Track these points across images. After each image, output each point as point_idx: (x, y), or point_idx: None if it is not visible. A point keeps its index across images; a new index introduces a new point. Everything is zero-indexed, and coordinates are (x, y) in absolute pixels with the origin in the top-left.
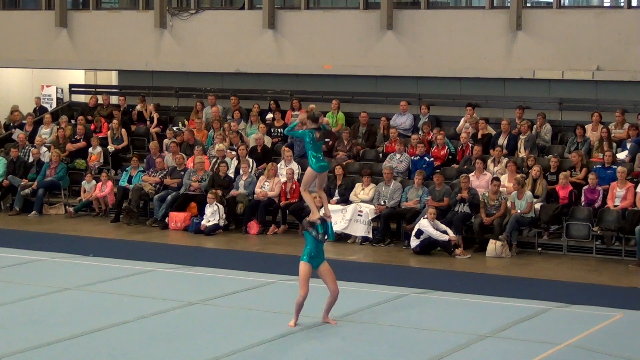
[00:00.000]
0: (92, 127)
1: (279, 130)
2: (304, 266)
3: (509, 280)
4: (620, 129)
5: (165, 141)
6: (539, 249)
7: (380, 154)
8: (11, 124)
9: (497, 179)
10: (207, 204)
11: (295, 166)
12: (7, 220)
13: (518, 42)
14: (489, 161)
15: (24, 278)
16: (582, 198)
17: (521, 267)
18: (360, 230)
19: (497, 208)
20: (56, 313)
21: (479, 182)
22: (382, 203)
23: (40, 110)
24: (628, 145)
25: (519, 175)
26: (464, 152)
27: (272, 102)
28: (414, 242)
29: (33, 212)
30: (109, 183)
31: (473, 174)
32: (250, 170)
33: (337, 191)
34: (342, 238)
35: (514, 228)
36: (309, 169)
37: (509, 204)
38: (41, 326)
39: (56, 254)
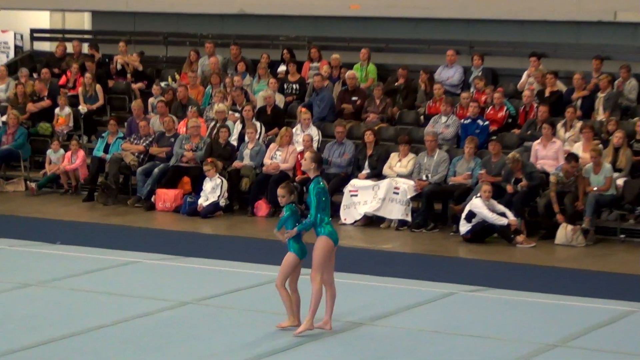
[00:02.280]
0: (61, 82)
1: (294, 86)
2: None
3: (583, 275)
4: None
5: (151, 100)
6: (622, 235)
7: (422, 117)
8: None
9: (575, 157)
10: (206, 178)
11: (314, 131)
12: None
13: None
14: (559, 125)
15: None
16: None
17: (599, 258)
18: (397, 212)
19: (571, 185)
20: (14, 316)
21: (546, 151)
22: (424, 178)
23: None
24: None
25: (595, 143)
26: (527, 114)
27: (285, 51)
28: (464, 226)
29: None
30: (81, 152)
31: (539, 141)
32: (257, 136)
33: (367, 163)
34: (374, 222)
35: (593, 210)
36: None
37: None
38: None
39: (15, 241)
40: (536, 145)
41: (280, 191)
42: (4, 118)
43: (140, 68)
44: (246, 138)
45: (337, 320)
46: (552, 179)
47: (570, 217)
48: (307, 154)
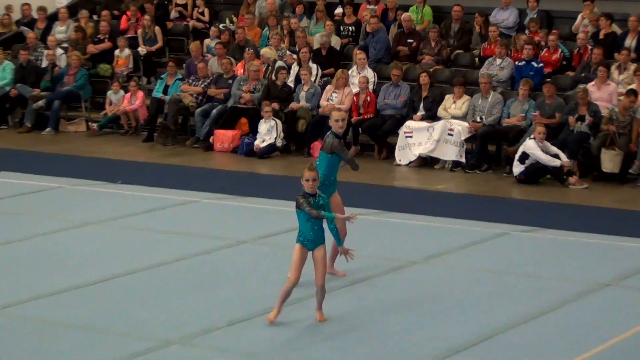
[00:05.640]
0: (122, 27)
1: (350, 28)
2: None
3: (636, 216)
4: None
5: (209, 42)
6: None
7: (477, 59)
8: (21, 20)
9: (635, 92)
10: (262, 120)
11: (370, 73)
12: (16, 139)
13: None
14: (613, 67)
15: (36, 210)
16: None
17: None
18: (451, 153)
19: (625, 127)
20: (76, 253)
21: (601, 93)
22: (478, 120)
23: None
24: None
25: None
26: (581, 57)
27: None
28: (517, 168)
29: (47, 129)
30: (140, 94)
31: (593, 83)
32: (313, 78)
33: (422, 105)
34: (429, 163)
35: None
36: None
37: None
38: (58, 269)
39: (76, 181)
40: (590, 87)
41: (311, 174)
42: (65, 59)
43: (207, 11)
44: (302, 80)
45: (391, 259)
46: (605, 113)
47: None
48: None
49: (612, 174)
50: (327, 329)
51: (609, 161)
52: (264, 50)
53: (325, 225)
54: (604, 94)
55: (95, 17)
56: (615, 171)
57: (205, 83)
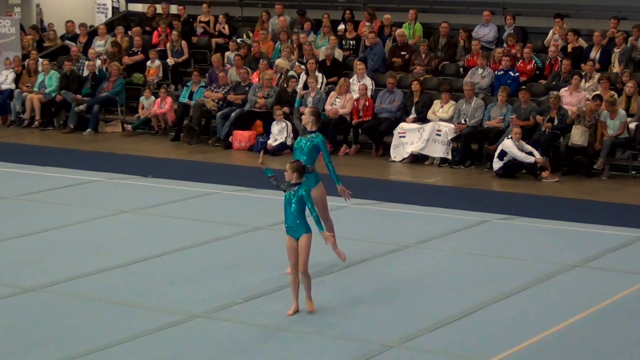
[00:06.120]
0: (153, 41)
1: (351, 42)
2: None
3: (600, 205)
4: None
5: (228, 54)
6: (634, 172)
7: (461, 69)
8: (65, 35)
9: (600, 97)
10: (274, 122)
11: (368, 82)
12: (61, 139)
13: None
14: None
15: (78, 200)
16: None
17: (614, 192)
18: (439, 151)
19: (590, 127)
20: (113, 237)
21: (571, 99)
22: (463, 122)
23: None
24: None
25: (611, 93)
26: (552, 67)
27: (347, 11)
28: (496, 164)
29: (88, 130)
30: (169, 99)
31: (566, 89)
32: (319, 86)
33: (413, 109)
34: (419, 159)
35: (608, 152)
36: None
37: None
38: (97, 251)
39: (112, 175)
40: (563, 91)
41: (288, 165)
42: (98, 66)
43: (227, 27)
44: (309, 87)
45: (387, 243)
46: (574, 110)
47: (587, 158)
48: (307, 110)
49: (578, 168)
50: (331, 300)
51: (580, 136)
52: (279, 61)
53: (312, 222)
54: (574, 99)
55: (129, 33)
56: (584, 145)
57: (225, 90)
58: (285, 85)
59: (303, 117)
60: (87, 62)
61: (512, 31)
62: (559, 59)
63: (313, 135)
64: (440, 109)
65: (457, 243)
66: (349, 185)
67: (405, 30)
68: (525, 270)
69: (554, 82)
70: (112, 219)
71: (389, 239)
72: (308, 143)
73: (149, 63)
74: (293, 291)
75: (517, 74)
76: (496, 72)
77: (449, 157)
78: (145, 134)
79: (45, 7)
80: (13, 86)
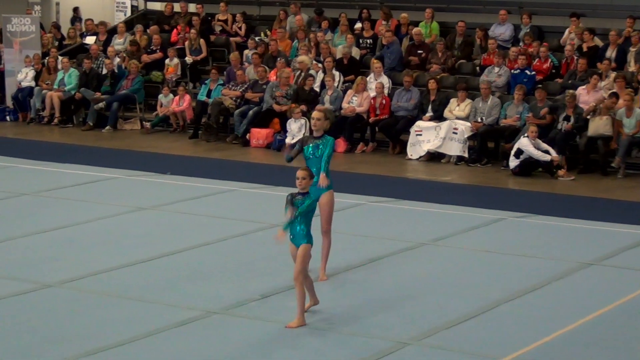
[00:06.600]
0: (172, 39)
1: (368, 41)
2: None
3: (616, 204)
4: None
5: (246, 52)
6: None
7: (477, 67)
8: (84, 34)
9: (617, 95)
10: (292, 120)
11: (385, 80)
12: (80, 136)
13: None
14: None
15: (97, 197)
16: None
17: (629, 190)
18: (455, 149)
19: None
20: (131, 234)
21: (589, 97)
22: (479, 120)
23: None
24: None
25: (628, 91)
26: (568, 66)
27: (364, 10)
28: (513, 162)
29: (107, 127)
30: (187, 97)
31: (584, 87)
32: (336, 84)
33: (430, 107)
34: (436, 158)
35: (625, 151)
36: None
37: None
38: (116, 247)
39: (131, 172)
40: (581, 89)
41: (300, 173)
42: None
43: (245, 26)
44: (326, 85)
45: (404, 240)
46: (591, 104)
47: (603, 156)
48: (318, 114)
49: (594, 167)
50: (348, 296)
51: (605, 125)
52: (302, 58)
53: (312, 228)
54: (592, 98)
55: (148, 31)
56: (611, 134)
57: (243, 88)
58: (302, 84)
59: (318, 122)
60: (106, 61)
61: (528, 30)
62: (575, 57)
63: (322, 141)
64: (457, 107)
65: (473, 241)
66: (365, 183)
67: (422, 29)
68: (540, 268)
69: (570, 81)
70: (131, 215)
71: (405, 237)
72: (319, 151)
73: (167, 61)
74: (310, 290)
75: (533, 72)
76: (512, 71)
77: (465, 155)
78: (163, 131)
79: (63, 5)
80: (33, 84)
